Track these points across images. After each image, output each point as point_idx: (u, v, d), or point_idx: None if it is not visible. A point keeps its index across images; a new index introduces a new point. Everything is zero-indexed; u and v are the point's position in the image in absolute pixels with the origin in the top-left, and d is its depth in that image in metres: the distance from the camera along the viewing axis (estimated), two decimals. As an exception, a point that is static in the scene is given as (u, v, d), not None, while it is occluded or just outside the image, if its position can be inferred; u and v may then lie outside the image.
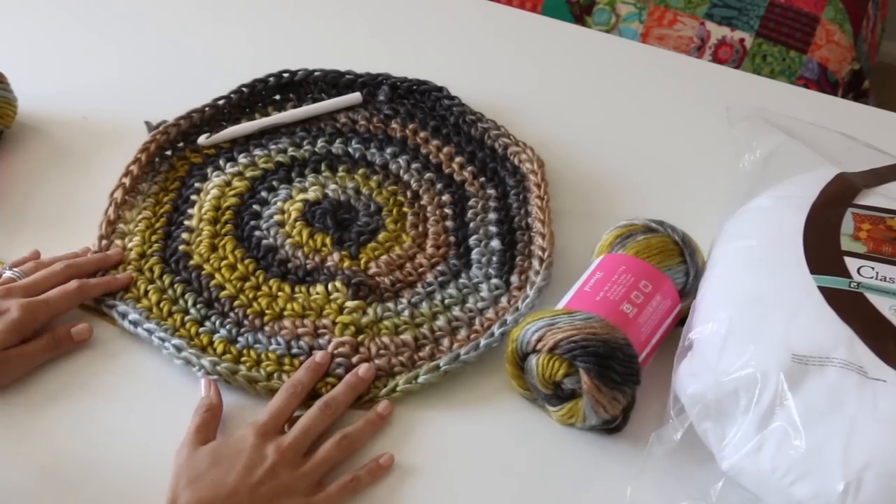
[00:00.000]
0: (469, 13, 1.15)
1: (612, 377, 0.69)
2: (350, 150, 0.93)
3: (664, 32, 1.64)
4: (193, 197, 0.89)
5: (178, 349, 0.76)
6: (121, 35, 1.10)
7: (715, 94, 1.03)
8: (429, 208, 0.88)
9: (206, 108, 0.96)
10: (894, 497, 0.59)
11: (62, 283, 0.78)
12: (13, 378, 0.74)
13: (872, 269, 0.70)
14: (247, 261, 0.83)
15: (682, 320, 0.75)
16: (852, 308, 0.67)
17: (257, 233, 0.86)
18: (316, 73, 0.99)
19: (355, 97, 0.98)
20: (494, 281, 0.82)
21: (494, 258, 0.84)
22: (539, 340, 0.71)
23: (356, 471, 0.69)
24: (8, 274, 0.78)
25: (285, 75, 0.99)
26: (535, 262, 0.83)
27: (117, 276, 0.81)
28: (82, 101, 1.00)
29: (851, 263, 0.70)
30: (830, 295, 0.68)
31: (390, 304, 0.80)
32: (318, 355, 0.75)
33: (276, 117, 0.96)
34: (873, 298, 0.68)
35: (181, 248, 0.84)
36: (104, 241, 0.84)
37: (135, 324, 0.78)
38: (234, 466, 0.65)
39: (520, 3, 1.67)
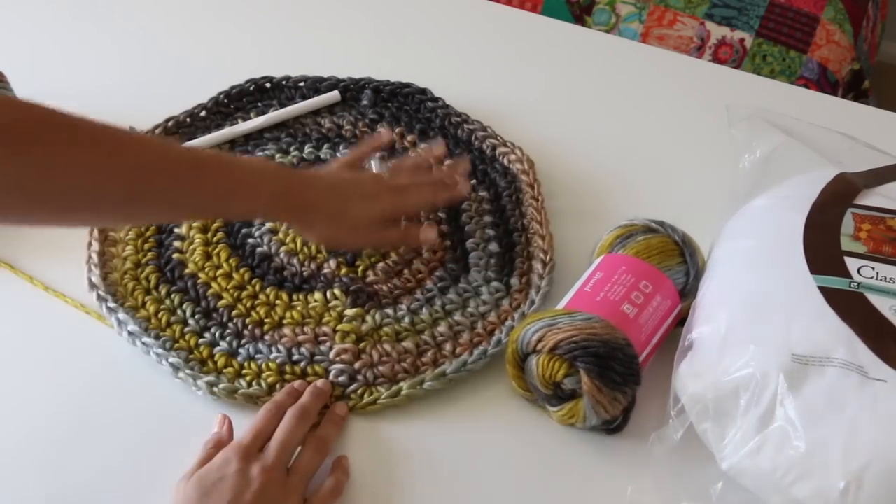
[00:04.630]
0: (468, 14, 1.15)
1: (613, 378, 0.69)
2: (339, 155, 0.93)
3: (664, 32, 1.64)
4: None
5: (176, 368, 0.75)
6: (121, 35, 1.10)
7: (715, 94, 1.03)
8: (422, 212, 0.88)
9: (185, 116, 0.96)
10: (894, 497, 0.59)
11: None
12: (367, 245, 0.83)
13: (872, 269, 0.70)
14: (242, 269, 0.83)
15: (682, 320, 0.75)
16: (852, 308, 0.67)
17: (250, 240, 0.85)
18: (295, 78, 0.99)
19: (333, 96, 0.98)
20: (494, 284, 0.82)
21: (493, 261, 0.84)
22: (539, 341, 0.71)
23: (333, 475, 0.69)
24: (374, 165, 0.86)
25: (267, 84, 0.99)
26: (538, 265, 0.83)
27: (461, 189, 0.85)
28: (82, 101, 0.99)
29: (851, 263, 0.70)
30: (830, 295, 0.68)
31: (389, 311, 0.80)
32: (319, 382, 0.75)
33: (255, 121, 0.95)
34: (873, 298, 0.68)
35: (175, 256, 0.84)
36: (97, 250, 0.83)
37: (133, 335, 0.77)
38: (222, 494, 0.64)
39: (520, 3, 1.67)
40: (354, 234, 0.79)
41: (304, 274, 0.83)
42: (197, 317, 0.79)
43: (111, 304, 0.79)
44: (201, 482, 0.65)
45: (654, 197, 0.92)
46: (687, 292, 0.76)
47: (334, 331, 0.78)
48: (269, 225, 0.86)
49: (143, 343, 0.77)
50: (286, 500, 0.66)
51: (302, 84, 0.99)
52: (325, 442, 0.71)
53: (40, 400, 0.75)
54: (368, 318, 0.79)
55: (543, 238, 0.85)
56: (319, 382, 0.75)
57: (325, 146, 0.93)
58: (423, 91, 0.98)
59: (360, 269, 0.83)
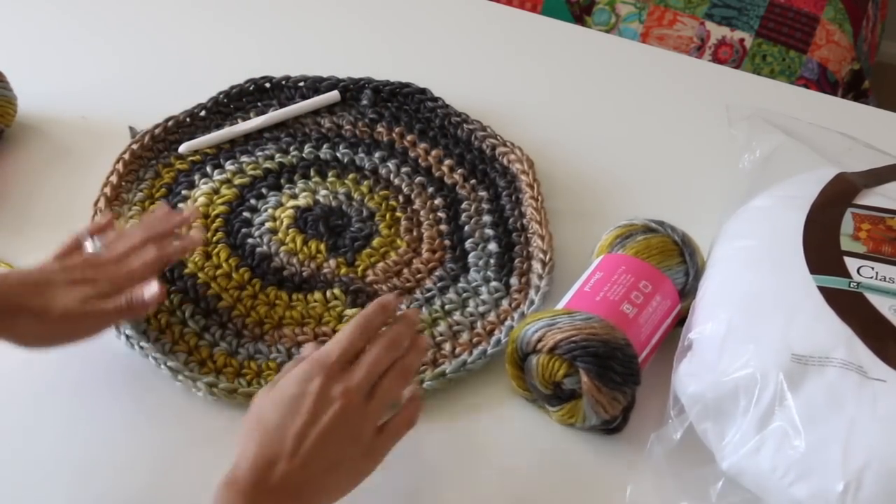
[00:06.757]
0: (468, 13, 1.15)
1: (612, 377, 0.69)
2: (338, 154, 0.93)
3: (664, 32, 1.64)
4: (181, 205, 0.88)
5: (175, 371, 0.75)
6: (120, 35, 1.10)
7: (715, 94, 1.03)
8: (422, 212, 0.88)
9: (184, 116, 0.96)
10: (893, 497, 0.59)
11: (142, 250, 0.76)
12: (88, 335, 0.72)
13: (872, 269, 0.70)
14: (242, 269, 0.82)
15: (681, 320, 0.75)
16: (852, 308, 0.67)
17: (250, 240, 0.85)
18: (295, 78, 0.99)
19: (333, 96, 0.98)
20: (494, 284, 0.82)
21: (492, 261, 0.84)
22: (539, 341, 0.71)
23: (409, 405, 0.67)
24: (90, 247, 0.76)
25: (267, 84, 0.99)
26: (537, 265, 0.83)
27: (192, 236, 0.79)
28: (82, 101, 1.00)
29: (851, 263, 0.70)
30: (830, 295, 0.68)
31: None
32: (390, 296, 0.71)
33: (255, 121, 0.95)
34: (873, 298, 0.68)
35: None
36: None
37: (130, 339, 0.76)
38: (300, 412, 0.61)
39: (520, 3, 1.67)
40: (67, 325, 0.70)
41: (304, 274, 0.83)
42: (196, 318, 0.79)
43: None
44: (280, 395, 0.62)
45: (654, 197, 0.92)
46: (686, 292, 0.76)
47: (334, 331, 0.78)
48: (268, 224, 0.86)
49: (141, 347, 0.76)
50: (363, 425, 0.63)
51: (302, 84, 0.99)
52: (409, 370, 0.68)
53: (38, 403, 0.75)
54: (368, 317, 0.79)
55: (543, 238, 0.85)
56: (410, 310, 0.72)
57: (325, 146, 0.93)
58: (423, 91, 0.98)
59: (359, 269, 0.83)
